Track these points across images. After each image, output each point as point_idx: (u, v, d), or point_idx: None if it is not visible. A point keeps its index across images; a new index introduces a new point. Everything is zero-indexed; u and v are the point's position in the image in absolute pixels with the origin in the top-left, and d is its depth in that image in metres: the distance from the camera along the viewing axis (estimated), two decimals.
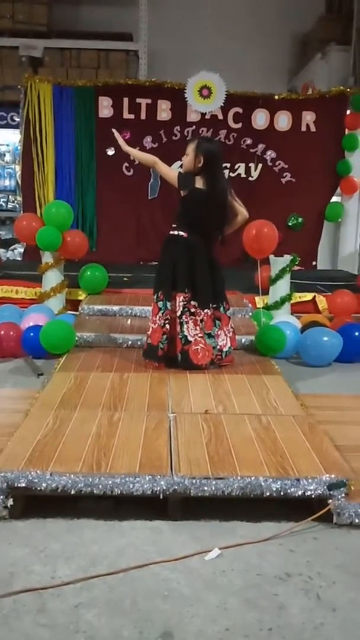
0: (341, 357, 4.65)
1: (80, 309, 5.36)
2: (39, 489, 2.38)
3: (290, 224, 8.04)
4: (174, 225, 4.07)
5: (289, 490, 2.40)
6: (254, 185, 7.99)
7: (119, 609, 1.87)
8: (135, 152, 4.38)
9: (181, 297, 3.97)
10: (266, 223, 5.12)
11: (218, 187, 3.97)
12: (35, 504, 2.43)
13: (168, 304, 3.99)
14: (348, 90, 8.03)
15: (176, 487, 2.40)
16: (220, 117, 7.83)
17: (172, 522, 2.38)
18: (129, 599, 1.91)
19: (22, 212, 7.69)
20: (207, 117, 7.81)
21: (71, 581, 1.99)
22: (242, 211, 4.11)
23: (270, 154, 7.99)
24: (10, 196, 10.55)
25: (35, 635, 1.75)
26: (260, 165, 8.02)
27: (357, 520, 2.35)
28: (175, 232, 4.04)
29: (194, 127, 7.81)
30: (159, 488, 2.39)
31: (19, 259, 8.13)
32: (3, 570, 2.05)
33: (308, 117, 7.95)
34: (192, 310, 4.00)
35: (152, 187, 7.90)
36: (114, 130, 4.42)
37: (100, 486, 2.39)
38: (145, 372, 3.93)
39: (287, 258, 5.38)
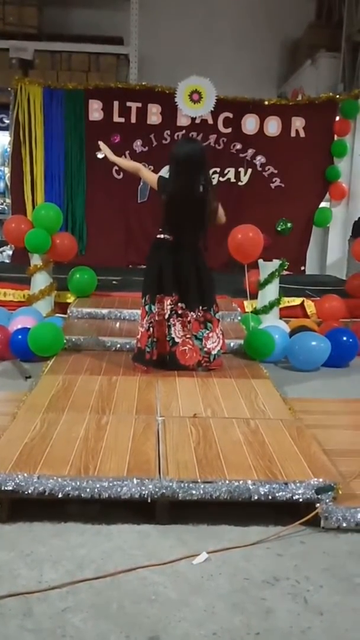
0: (329, 361, 4.67)
1: (68, 311, 5.34)
2: (26, 492, 2.37)
3: (279, 228, 8.06)
4: (160, 229, 4.07)
5: (276, 494, 2.41)
6: (243, 190, 8.01)
7: (106, 613, 1.86)
8: (120, 162, 4.40)
9: (168, 300, 3.97)
10: (251, 228, 5.13)
11: (186, 188, 3.88)
12: (22, 507, 2.41)
13: (153, 307, 3.99)
14: (337, 96, 8.08)
15: (164, 491, 2.39)
16: (210, 121, 7.85)
17: (159, 526, 2.37)
18: (116, 603, 1.90)
19: (11, 214, 7.66)
20: (197, 121, 7.83)
21: (58, 585, 1.97)
22: (221, 214, 4.06)
23: (259, 159, 8.01)
24: None
25: None
26: (249, 170, 8.04)
27: (344, 524, 2.36)
28: (161, 236, 4.03)
29: (184, 131, 7.81)
30: (146, 492, 2.38)
31: (8, 261, 8.09)
32: None
33: (297, 123, 7.98)
34: (180, 312, 4.00)
35: (142, 190, 7.89)
36: (100, 143, 4.44)
37: (88, 490, 2.38)
38: (134, 376, 3.92)
39: (276, 263, 5.40)
